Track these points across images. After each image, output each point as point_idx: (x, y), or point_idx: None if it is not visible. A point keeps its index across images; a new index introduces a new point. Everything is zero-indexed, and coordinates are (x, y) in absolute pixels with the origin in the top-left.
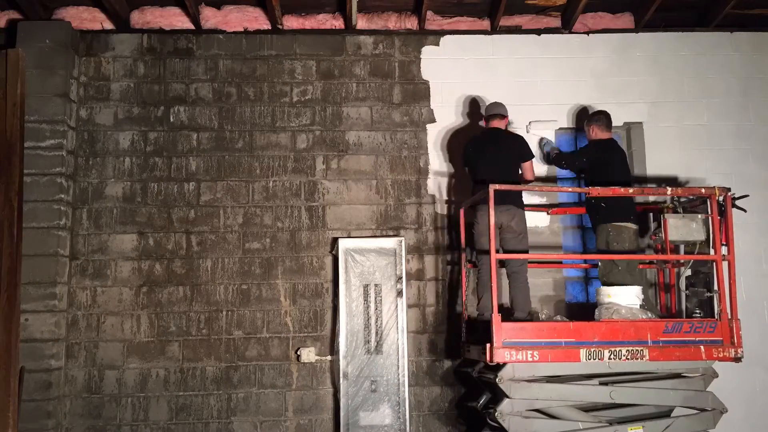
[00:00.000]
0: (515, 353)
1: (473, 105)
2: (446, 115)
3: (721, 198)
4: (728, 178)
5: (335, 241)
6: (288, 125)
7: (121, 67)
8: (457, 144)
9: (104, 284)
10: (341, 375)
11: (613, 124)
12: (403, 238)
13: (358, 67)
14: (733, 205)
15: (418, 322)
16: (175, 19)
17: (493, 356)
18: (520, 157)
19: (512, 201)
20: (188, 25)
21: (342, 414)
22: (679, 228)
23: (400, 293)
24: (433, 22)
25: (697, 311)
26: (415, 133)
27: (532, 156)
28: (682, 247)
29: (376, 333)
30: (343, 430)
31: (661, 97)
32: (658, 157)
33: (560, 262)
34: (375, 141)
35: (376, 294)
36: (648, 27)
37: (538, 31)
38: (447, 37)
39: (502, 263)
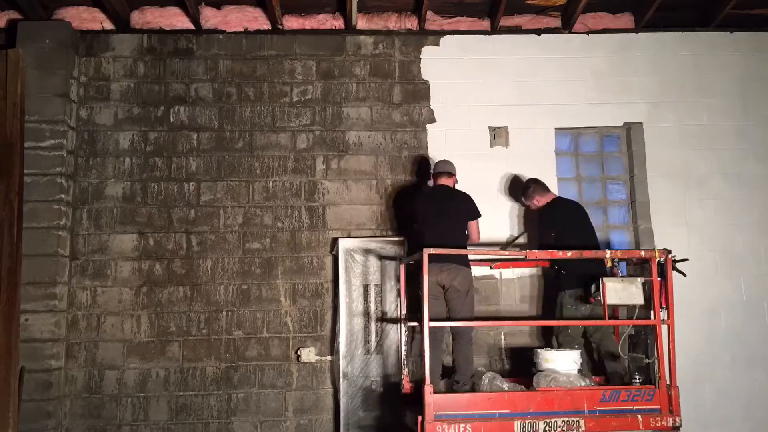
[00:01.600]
0: (447, 427)
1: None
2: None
3: (661, 260)
4: (728, 178)
5: (335, 241)
6: (288, 125)
7: (121, 67)
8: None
9: (104, 284)
10: (341, 375)
11: (613, 124)
12: (403, 238)
13: (358, 67)
14: (674, 268)
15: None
16: (175, 19)
17: (424, 431)
18: (468, 215)
19: (455, 260)
20: (188, 25)
21: (342, 414)
22: (618, 291)
23: (400, 293)
24: (433, 22)
25: (636, 376)
26: (415, 133)
27: (479, 215)
28: (625, 310)
29: (376, 333)
30: (344, 430)
31: (661, 97)
32: (658, 157)
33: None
34: (375, 141)
35: (377, 294)
36: (648, 27)
37: (538, 31)
38: (447, 37)
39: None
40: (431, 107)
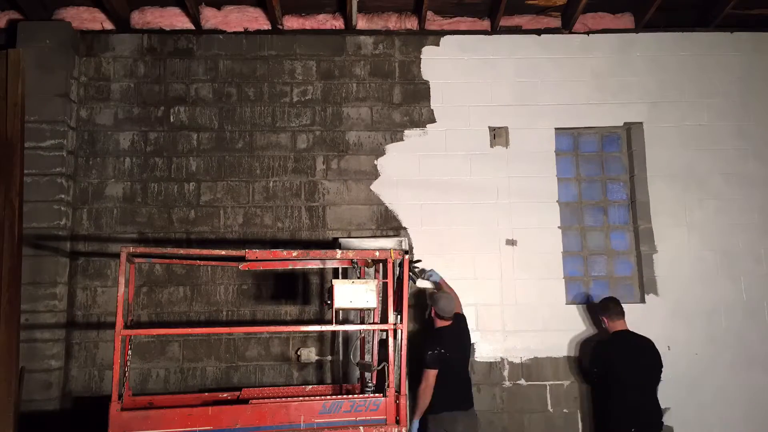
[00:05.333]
0: None
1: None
2: None
3: (398, 261)
4: (728, 178)
5: (335, 241)
6: (288, 125)
7: (121, 67)
8: None
9: (104, 284)
10: (341, 374)
11: (613, 124)
12: (403, 239)
13: (359, 67)
14: (410, 269)
15: (417, 321)
16: (176, 19)
17: None
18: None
19: None
20: (188, 25)
21: None
22: (348, 294)
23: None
24: (434, 22)
25: (369, 384)
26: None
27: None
28: (358, 314)
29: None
30: None
31: (661, 97)
32: (658, 157)
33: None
34: (375, 141)
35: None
36: (648, 27)
37: (538, 32)
38: (447, 37)
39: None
40: (431, 107)
